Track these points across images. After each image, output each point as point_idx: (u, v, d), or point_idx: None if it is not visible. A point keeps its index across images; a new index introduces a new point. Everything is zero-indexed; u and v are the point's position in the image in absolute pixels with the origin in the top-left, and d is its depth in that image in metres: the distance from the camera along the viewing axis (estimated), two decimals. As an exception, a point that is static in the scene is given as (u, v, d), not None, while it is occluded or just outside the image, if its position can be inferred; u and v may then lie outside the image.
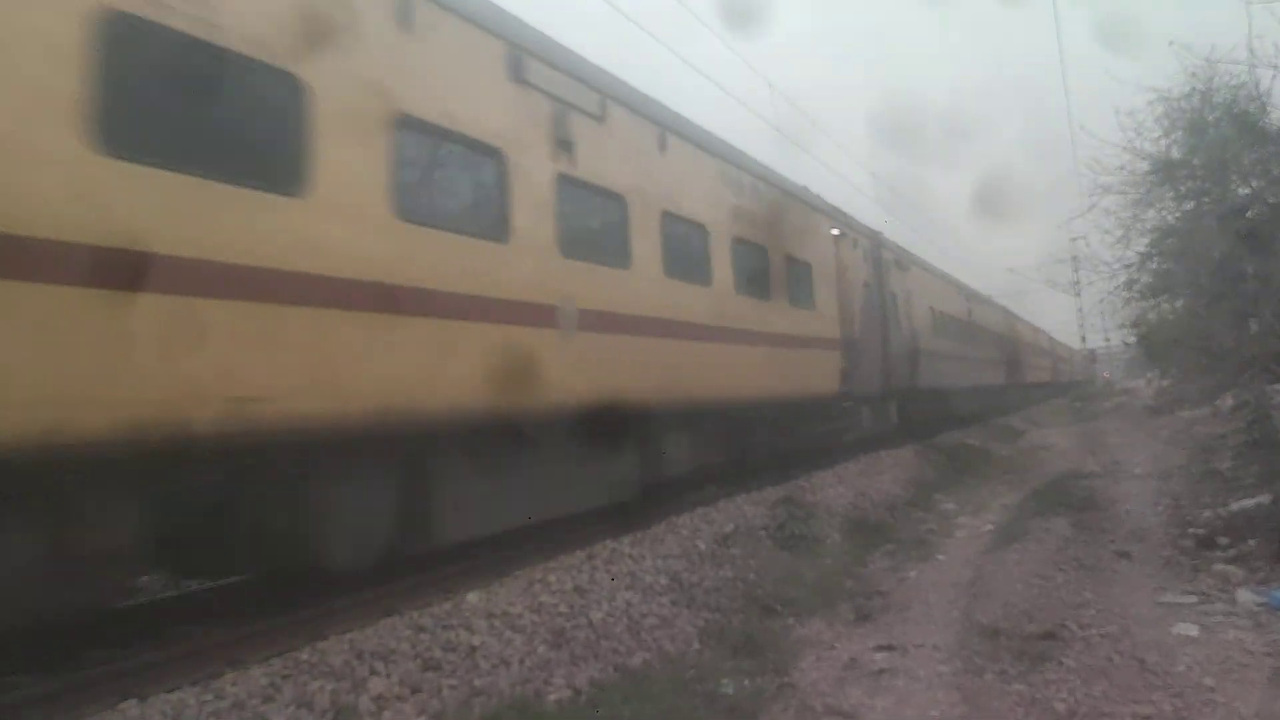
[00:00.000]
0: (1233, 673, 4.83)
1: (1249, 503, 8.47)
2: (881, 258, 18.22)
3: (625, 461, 8.85)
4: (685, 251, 9.94)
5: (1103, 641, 5.43)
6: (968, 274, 32.74)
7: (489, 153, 6.90)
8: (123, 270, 4.28)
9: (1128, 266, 11.77)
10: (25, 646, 5.11)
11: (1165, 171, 10.52)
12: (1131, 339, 14.58)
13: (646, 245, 9.10)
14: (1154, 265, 11.74)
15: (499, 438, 6.81)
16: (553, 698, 4.64)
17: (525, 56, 7.37)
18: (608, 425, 7.84)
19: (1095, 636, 5.53)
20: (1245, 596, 6.18)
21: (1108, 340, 45.59)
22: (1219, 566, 6.99)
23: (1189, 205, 10.82)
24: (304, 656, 4.62)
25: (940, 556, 8.71)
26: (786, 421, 12.85)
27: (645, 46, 17.04)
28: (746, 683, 5.02)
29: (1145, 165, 10.66)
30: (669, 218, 9.56)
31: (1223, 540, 7.68)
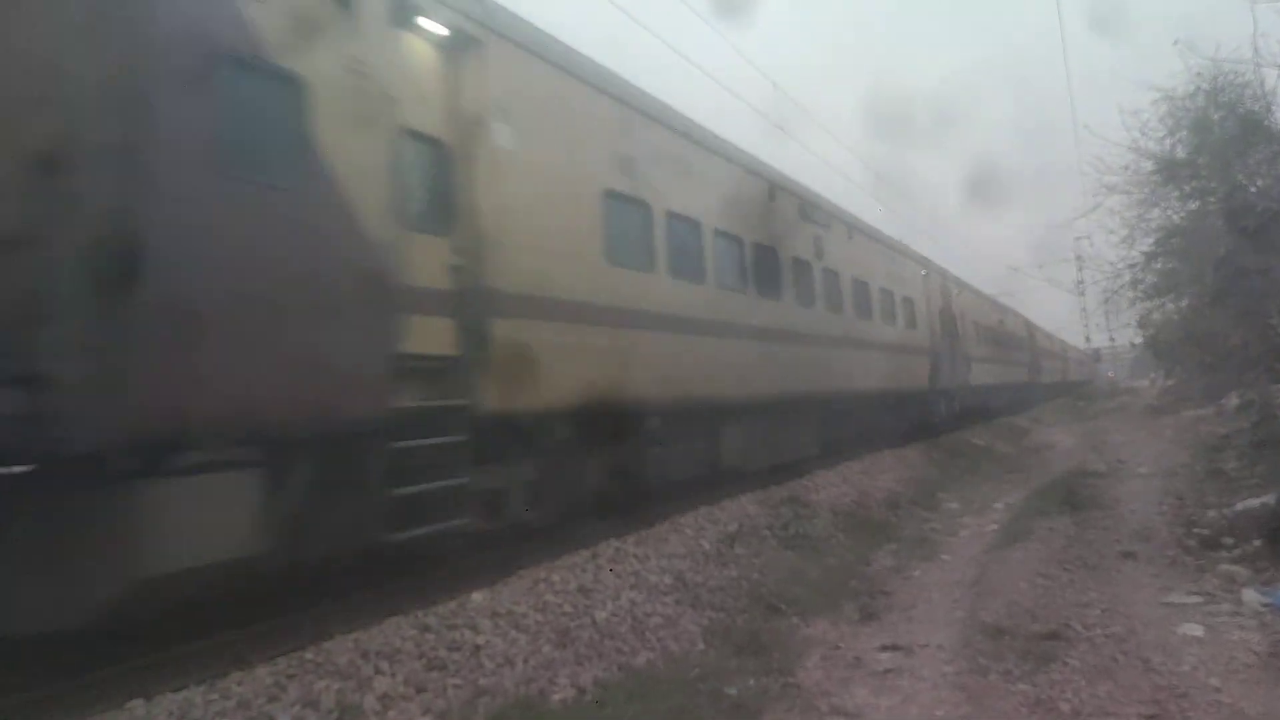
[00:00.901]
0: (1238, 673, 4.83)
1: (1254, 502, 8.45)
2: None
3: None
4: None
5: (1107, 641, 5.42)
6: (970, 272, 29.59)
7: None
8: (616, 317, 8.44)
9: (1132, 266, 11.80)
10: (32, 645, 5.12)
11: (1170, 171, 10.53)
12: (1137, 339, 14.56)
13: None
14: (1159, 265, 11.76)
15: None
16: (557, 697, 4.64)
17: None
18: None
19: (1100, 636, 5.52)
20: (1250, 597, 6.17)
21: (1113, 340, 45.41)
22: (1224, 567, 6.98)
23: (1194, 204, 10.83)
24: (309, 656, 4.63)
25: (944, 556, 8.71)
26: None
27: (642, 39, 16.94)
28: (751, 682, 5.02)
29: (1150, 165, 10.67)
30: None
31: (1228, 540, 7.66)
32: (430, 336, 6.26)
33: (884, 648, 5.66)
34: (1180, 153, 10.48)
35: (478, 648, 4.95)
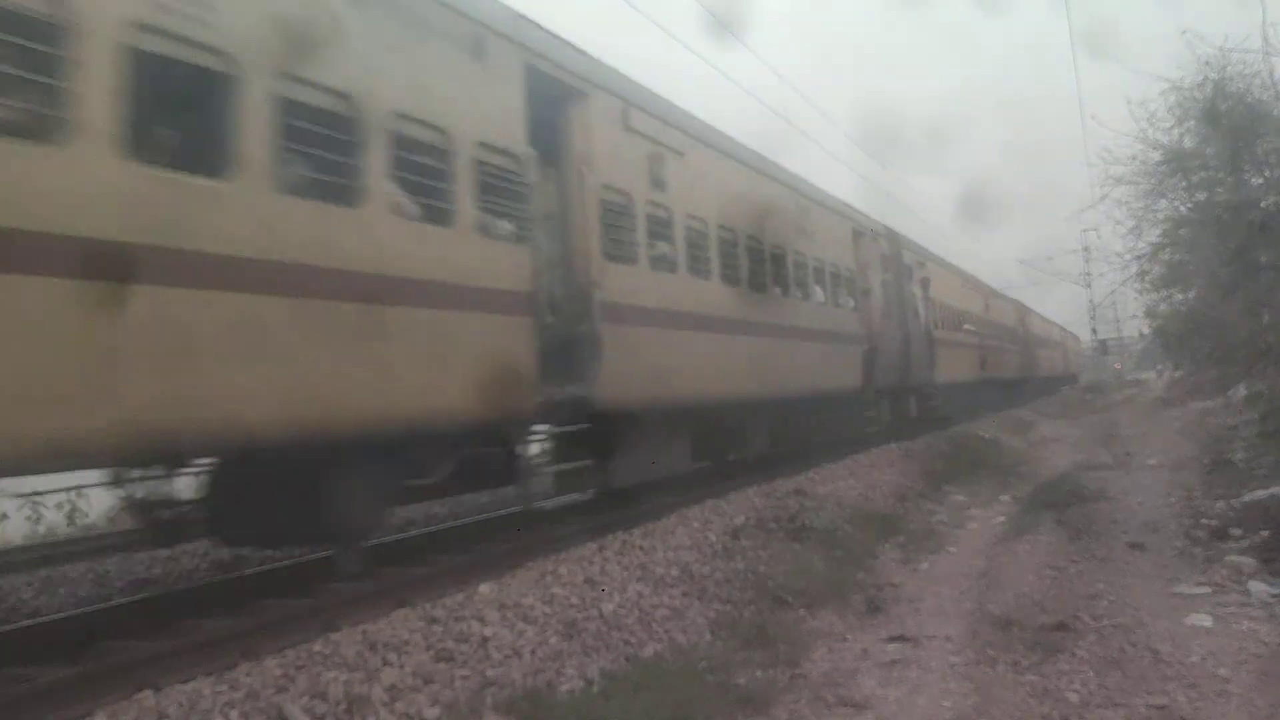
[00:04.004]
0: (1246, 664, 4.82)
1: (1262, 494, 8.43)
2: None
3: None
4: None
5: (1116, 632, 5.42)
6: (979, 268, 32.31)
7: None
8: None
9: (1139, 258, 11.72)
10: (42, 636, 5.15)
11: (1178, 161, 10.46)
12: (1145, 330, 14.50)
13: None
14: (1166, 256, 11.67)
15: None
16: (565, 688, 4.65)
17: None
18: None
19: (1108, 627, 5.52)
20: (1258, 587, 6.16)
21: (1120, 332, 45.47)
22: (1232, 558, 6.96)
23: (1202, 195, 10.74)
24: (317, 647, 4.63)
25: (951, 548, 8.70)
26: None
27: (650, 38, 16.95)
28: (759, 673, 5.02)
29: (1157, 155, 10.60)
30: None
31: (1236, 531, 7.65)
32: None
33: (891, 639, 5.65)
34: (1188, 143, 10.42)
35: (485, 639, 4.95)
